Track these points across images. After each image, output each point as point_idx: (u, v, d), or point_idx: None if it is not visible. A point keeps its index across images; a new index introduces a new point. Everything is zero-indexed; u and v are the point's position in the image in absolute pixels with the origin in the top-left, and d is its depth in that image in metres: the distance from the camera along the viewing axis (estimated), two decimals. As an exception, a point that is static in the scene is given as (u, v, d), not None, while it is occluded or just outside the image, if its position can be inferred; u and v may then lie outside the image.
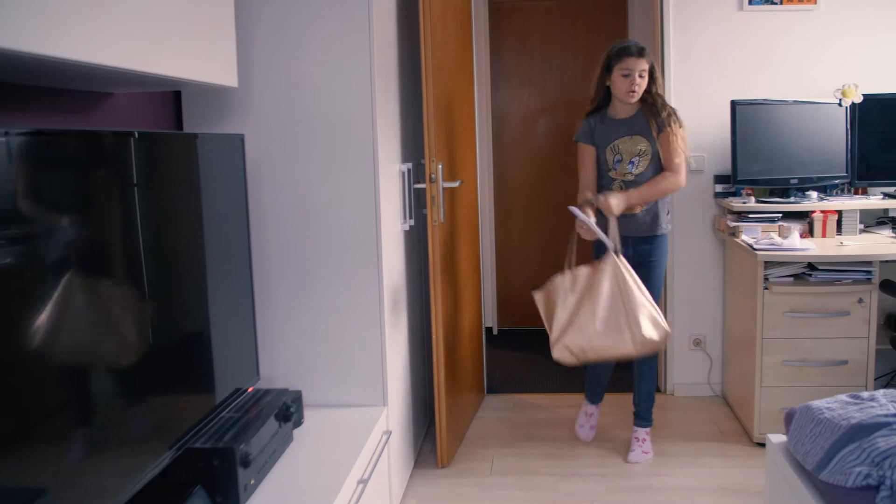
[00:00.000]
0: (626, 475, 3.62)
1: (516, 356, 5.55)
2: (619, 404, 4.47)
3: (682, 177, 3.55)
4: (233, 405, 2.51)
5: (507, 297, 6.14)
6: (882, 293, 3.78)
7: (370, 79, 2.92)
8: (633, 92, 3.51)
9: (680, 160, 3.53)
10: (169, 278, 2.12)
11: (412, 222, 3.56)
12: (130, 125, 2.65)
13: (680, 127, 3.54)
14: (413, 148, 3.71)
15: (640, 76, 3.49)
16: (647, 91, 3.55)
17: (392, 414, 3.18)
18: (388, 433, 3.05)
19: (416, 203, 3.67)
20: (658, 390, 4.74)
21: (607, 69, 3.58)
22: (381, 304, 3.01)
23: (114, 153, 1.85)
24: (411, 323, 3.64)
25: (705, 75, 4.46)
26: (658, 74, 3.56)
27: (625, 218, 3.57)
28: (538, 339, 5.91)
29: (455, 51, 3.97)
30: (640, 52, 3.48)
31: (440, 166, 3.51)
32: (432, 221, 3.50)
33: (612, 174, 3.65)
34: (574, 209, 3.43)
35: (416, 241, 3.77)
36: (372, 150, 2.95)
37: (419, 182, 3.63)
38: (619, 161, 3.62)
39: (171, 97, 2.97)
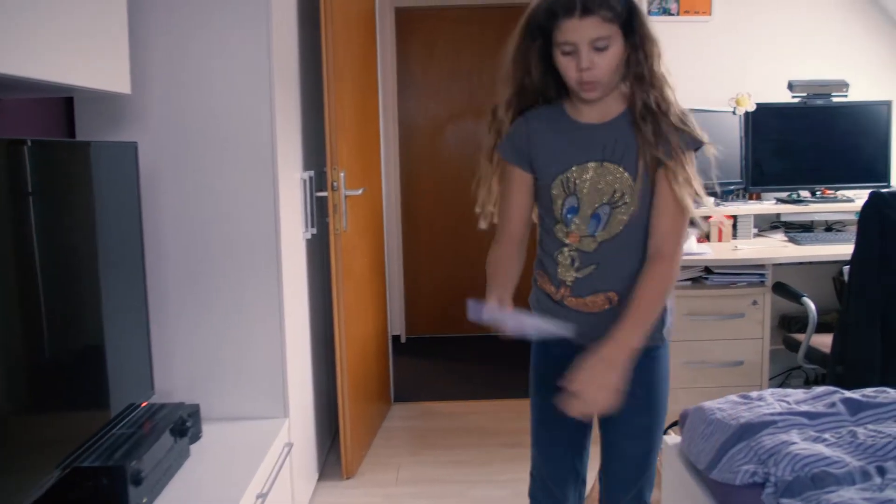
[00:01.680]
0: (532, 480, 3.65)
1: (425, 364, 5.55)
2: (522, 410, 4.49)
3: (678, 262, 1.93)
4: (125, 421, 2.44)
5: (415, 305, 6.13)
6: (775, 295, 3.88)
7: (269, 85, 2.88)
8: (588, 83, 1.88)
9: (680, 229, 1.92)
10: (59, 289, 2.05)
11: (314, 230, 3.53)
12: (19, 132, 2.56)
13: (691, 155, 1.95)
14: (316, 156, 3.67)
15: (597, 49, 1.83)
16: (638, 76, 1.91)
17: (294, 425, 3.14)
18: (290, 445, 3.00)
19: (319, 211, 3.64)
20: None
21: (531, 37, 2.01)
22: (281, 314, 2.96)
23: (3, 161, 1.78)
24: (315, 332, 3.60)
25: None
26: (649, 42, 1.89)
27: (590, 317, 2.05)
28: (447, 346, 5.94)
29: (359, 57, 3.96)
30: (594, 4, 1.81)
31: (342, 174, 3.48)
32: (335, 230, 3.47)
33: (559, 233, 2.04)
34: (478, 309, 2.02)
35: (319, 250, 3.74)
36: (271, 157, 2.90)
37: (322, 190, 3.60)
38: (575, 210, 1.99)
39: (63, 103, 2.87)
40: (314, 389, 3.57)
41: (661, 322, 2.05)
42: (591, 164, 1.96)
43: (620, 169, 1.94)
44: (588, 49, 1.84)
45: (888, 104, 4.41)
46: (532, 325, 2.02)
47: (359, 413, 3.79)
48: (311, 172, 3.51)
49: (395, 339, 5.93)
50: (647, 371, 2.05)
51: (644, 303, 1.89)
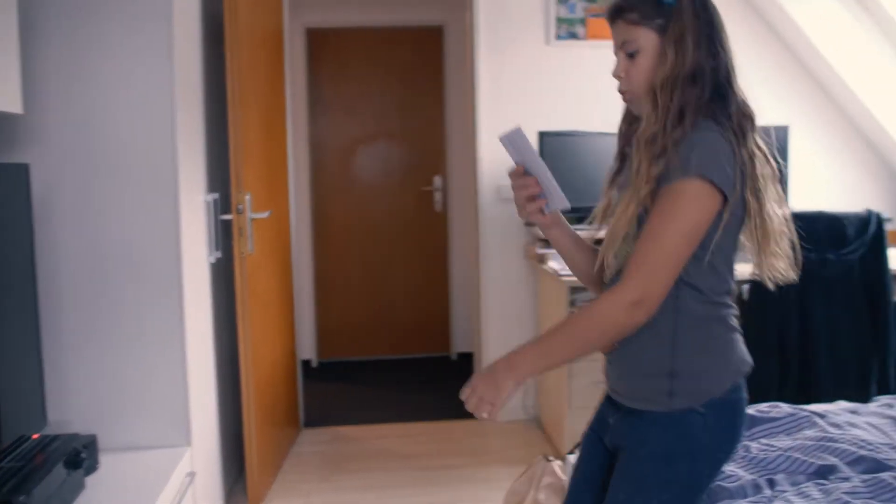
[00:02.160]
0: (446, 503, 3.64)
1: (336, 388, 5.49)
2: (433, 433, 4.50)
3: (628, 297, 1.60)
4: (15, 454, 2.34)
5: (327, 329, 6.07)
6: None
7: (171, 106, 2.82)
8: (623, 93, 1.79)
9: (646, 257, 1.61)
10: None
11: (220, 254, 3.46)
12: None
13: (692, 181, 1.60)
14: (221, 177, 3.61)
15: (627, 53, 1.72)
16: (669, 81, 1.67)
17: (198, 453, 3.06)
18: (193, 474, 2.92)
19: (225, 234, 3.57)
20: (474, 417, 4.77)
21: None
22: (183, 339, 2.89)
23: None
24: (221, 358, 3.52)
25: (514, 106, 4.58)
26: (684, 45, 1.67)
27: (607, 357, 1.90)
28: (360, 370, 5.90)
29: (266, 78, 3.92)
30: (618, 9, 1.73)
31: (248, 197, 3.43)
32: (240, 253, 3.42)
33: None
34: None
35: (225, 273, 3.67)
36: (173, 179, 2.84)
37: (228, 213, 3.53)
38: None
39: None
40: (220, 416, 3.49)
41: (666, 377, 1.71)
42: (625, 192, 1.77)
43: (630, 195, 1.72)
44: (622, 56, 1.73)
45: (785, 129, 4.55)
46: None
47: (266, 439, 3.73)
48: (216, 195, 3.45)
49: (306, 363, 5.86)
50: (634, 435, 1.78)
51: (561, 324, 1.68)
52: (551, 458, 3.34)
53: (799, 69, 4.79)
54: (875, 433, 2.18)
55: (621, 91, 1.76)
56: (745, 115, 1.70)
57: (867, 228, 3.29)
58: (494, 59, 4.56)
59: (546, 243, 4.26)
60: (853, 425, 2.22)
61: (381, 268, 6.08)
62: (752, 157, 1.67)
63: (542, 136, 4.25)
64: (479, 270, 4.72)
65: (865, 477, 1.95)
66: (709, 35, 1.69)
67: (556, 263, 4.11)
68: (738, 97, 1.71)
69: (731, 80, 1.72)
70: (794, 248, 1.76)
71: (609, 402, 1.88)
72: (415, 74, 5.98)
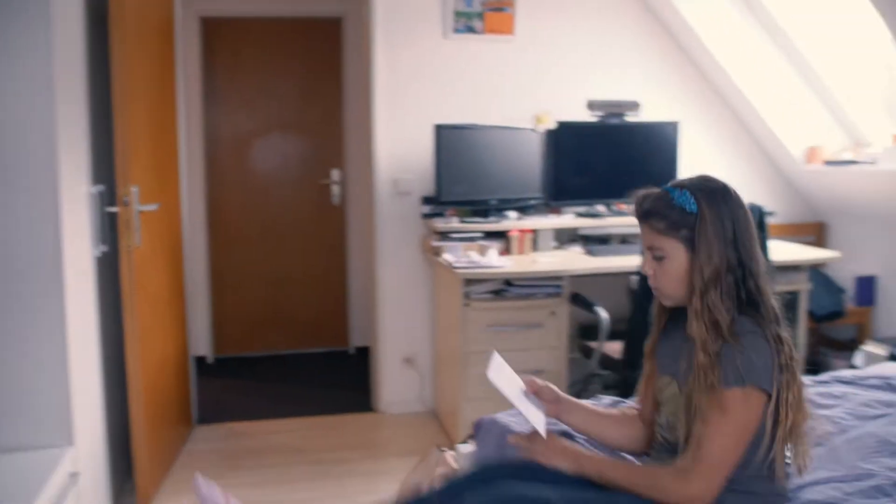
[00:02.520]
0: (336, 496, 3.61)
1: (232, 384, 5.40)
2: (329, 426, 4.48)
3: (686, 490, 1.77)
4: None
5: (222, 324, 5.96)
6: (572, 305, 4.02)
7: (51, 96, 2.73)
8: (654, 289, 1.94)
9: (708, 458, 1.76)
10: None
11: (106, 248, 3.36)
12: None
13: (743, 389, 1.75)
14: (107, 169, 3.50)
15: (654, 256, 1.87)
16: (699, 294, 1.80)
17: (83, 453, 2.97)
18: (76, 475, 2.84)
19: (112, 227, 3.47)
20: (371, 410, 4.78)
21: None
22: (64, 335, 2.80)
23: None
24: (108, 355, 3.42)
25: (412, 99, 4.58)
26: (708, 261, 1.79)
27: None
28: (256, 365, 5.82)
29: (155, 67, 3.82)
30: (645, 212, 1.87)
31: (135, 189, 3.34)
32: (127, 246, 3.33)
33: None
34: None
35: (112, 268, 3.56)
36: (52, 171, 2.75)
37: (114, 205, 3.43)
38: (664, 421, 2.01)
39: None
40: (107, 414, 3.39)
41: None
42: (666, 378, 1.98)
43: (672, 380, 1.95)
44: (649, 254, 1.89)
45: (675, 125, 4.67)
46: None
47: (156, 437, 3.64)
48: (102, 187, 3.35)
49: (201, 359, 5.75)
50: None
51: (628, 466, 1.92)
52: (444, 448, 3.36)
53: (690, 67, 4.92)
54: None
55: (651, 284, 1.91)
56: (774, 313, 1.82)
57: (749, 221, 3.40)
58: (392, 51, 4.55)
59: (442, 236, 4.27)
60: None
61: (278, 262, 6.01)
62: (782, 351, 1.79)
63: (439, 129, 4.26)
64: (376, 264, 4.70)
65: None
66: (732, 240, 1.79)
67: (450, 256, 4.12)
68: (767, 297, 1.82)
69: (759, 279, 1.82)
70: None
71: None
72: (312, 66, 5.91)
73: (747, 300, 1.79)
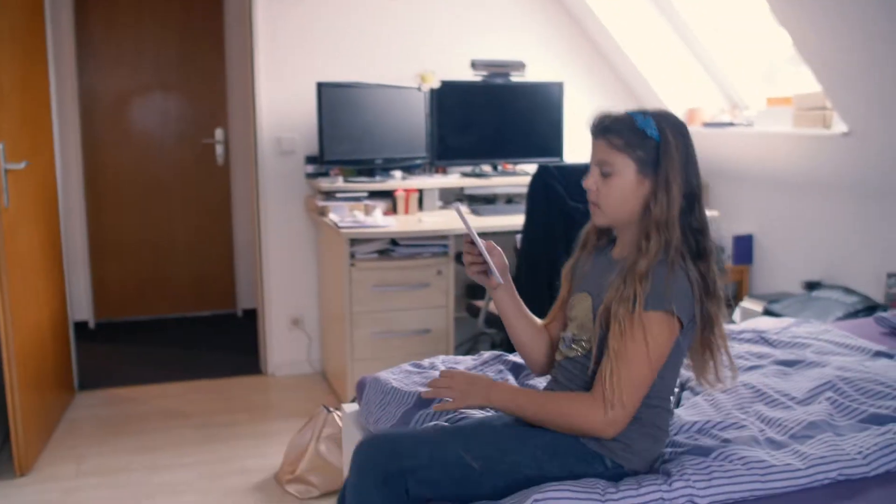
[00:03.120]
0: (221, 460, 3.58)
1: (115, 349, 5.28)
2: (216, 390, 4.44)
3: (602, 416, 1.78)
4: None
5: (104, 288, 5.79)
6: (458, 265, 4.06)
7: None
8: (591, 204, 1.93)
9: (625, 383, 1.77)
10: None
11: (-28, 209, 3.23)
12: None
13: (662, 314, 1.78)
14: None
15: (603, 174, 1.87)
16: (650, 216, 1.83)
17: (-48, 422, 2.87)
18: (-55, 444, 2.74)
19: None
20: (259, 372, 4.75)
21: None
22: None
23: None
24: (-23, 321, 3.30)
25: (294, 57, 4.51)
26: (670, 192, 1.82)
27: None
28: (140, 329, 5.71)
29: (20, 21, 3.64)
30: (604, 128, 1.89)
31: (0, 146, 3.21)
32: (-6, 208, 3.20)
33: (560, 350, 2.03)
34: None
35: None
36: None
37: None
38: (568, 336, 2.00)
39: None
40: (-22, 382, 3.28)
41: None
42: (581, 293, 1.98)
43: (588, 300, 1.94)
44: (596, 170, 1.88)
45: (560, 85, 4.74)
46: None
47: (33, 404, 3.53)
48: (-33, 145, 3.21)
49: (83, 324, 5.59)
50: None
51: (544, 396, 1.92)
52: (332, 409, 3.37)
53: (574, 27, 4.99)
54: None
55: (590, 200, 1.90)
56: (711, 251, 1.86)
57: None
58: (274, 8, 4.45)
59: (327, 196, 4.24)
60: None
61: (161, 224, 5.86)
62: (706, 281, 1.83)
63: (321, 87, 4.20)
64: (260, 224, 4.64)
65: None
66: (687, 170, 1.84)
67: (335, 216, 4.10)
68: (707, 234, 1.87)
69: (703, 215, 1.87)
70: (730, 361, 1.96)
71: None
72: (194, 23, 5.75)
73: (690, 233, 1.85)
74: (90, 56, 5.61)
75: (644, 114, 1.87)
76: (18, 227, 3.45)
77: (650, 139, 1.83)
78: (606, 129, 1.87)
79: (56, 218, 4.16)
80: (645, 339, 1.76)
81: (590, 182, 1.89)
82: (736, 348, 2.80)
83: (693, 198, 1.85)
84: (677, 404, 2.27)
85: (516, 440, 1.86)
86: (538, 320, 2.15)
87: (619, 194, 1.85)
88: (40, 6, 4.00)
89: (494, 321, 3.86)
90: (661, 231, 1.81)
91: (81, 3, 5.53)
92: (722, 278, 1.89)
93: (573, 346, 1.95)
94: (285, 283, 4.67)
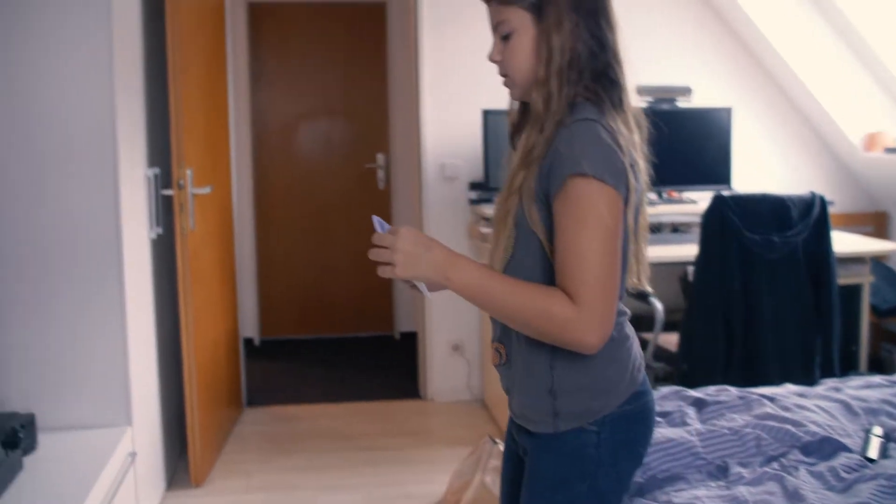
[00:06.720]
0: (385, 484, 3.61)
1: (279, 367, 5.43)
2: (377, 412, 4.48)
3: (588, 319, 1.42)
4: (-52, 434, 2.27)
5: (269, 307, 6.00)
6: (626, 296, 3.97)
7: (110, 80, 2.75)
8: (503, 78, 1.67)
9: (586, 277, 1.42)
10: None
11: (160, 230, 3.38)
12: None
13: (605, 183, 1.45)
14: (162, 152, 3.52)
15: (501, 36, 1.60)
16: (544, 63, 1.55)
17: (139, 433, 3.00)
18: (134, 454, 2.87)
19: (166, 209, 3.49)
20: (418, 397, 4.78)
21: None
22: (123, 317, 2.82)
23: None
24: (162, 337, 3.45)
25: (458, 83, 4.54)
26: (561, 32, 1.53)
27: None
28: (303, 348, 5.85)
29: (207, 52, 3.83)
30: None
31: (189, 172, 3.36)
32: (181, 229, 3.34)
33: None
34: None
35: (166, 250, 3.59)
36: (112, 154, 2.78)
37: (169, 188, 3.45)
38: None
39: None
40: (161, 395, 3.42)
41: (548, 396, 1.56)
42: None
43: (508, 193, 1.63)
44: (497, 38, 1.61)
45: (728, 111, 4.60)
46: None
47: (208, 418, 3.67)
48: (157, 169, 3.37)
49: (249, 341, 5.79)
50: (530, 458, 1.66)
51: (520, 288, 1.48)
52: (498, 440, 3.34)
53: (742, 51, 4.84)
54: (825, 416, 2.21)
55: (500, 75, 1.65)
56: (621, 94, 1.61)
57: (811, 211, 3.33)
58: (439, 35, 4.51)
59: (490, 222, 4.24)
60: (802, 408, 2.24)
61: (323, 246, 6.02)
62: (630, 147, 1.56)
63: (486, 114, 4.22)
64: (424, 249, 4.67)
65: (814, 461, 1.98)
66: (590, 12, 1.56)
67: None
68: (624, 88, 1.61)
69: (618, 64, 1.62)
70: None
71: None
72: (358, 51, 5.91)
73: (602, 86, 1.57)
74: (261, 85, 5.85)
75: None
76: (201, 248, 3.61)
77: None
78: None
79: (231, 239, 4.33)
80: (580, 216, 1.44)
81: (494, 54, 1.61)
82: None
83: (597, 43, 1.55)
84: (884, 454, 2.04)
85: None
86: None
87: (523, 55, 1.56)
88: (222, 34, 4.20)
89: (663, 355, 3.76)
90: (553, 81, 1.53)
91: (255, 31, 5.77)
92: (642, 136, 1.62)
93: (496, 246, 1.65)
94: (447, 309, 4.70)
